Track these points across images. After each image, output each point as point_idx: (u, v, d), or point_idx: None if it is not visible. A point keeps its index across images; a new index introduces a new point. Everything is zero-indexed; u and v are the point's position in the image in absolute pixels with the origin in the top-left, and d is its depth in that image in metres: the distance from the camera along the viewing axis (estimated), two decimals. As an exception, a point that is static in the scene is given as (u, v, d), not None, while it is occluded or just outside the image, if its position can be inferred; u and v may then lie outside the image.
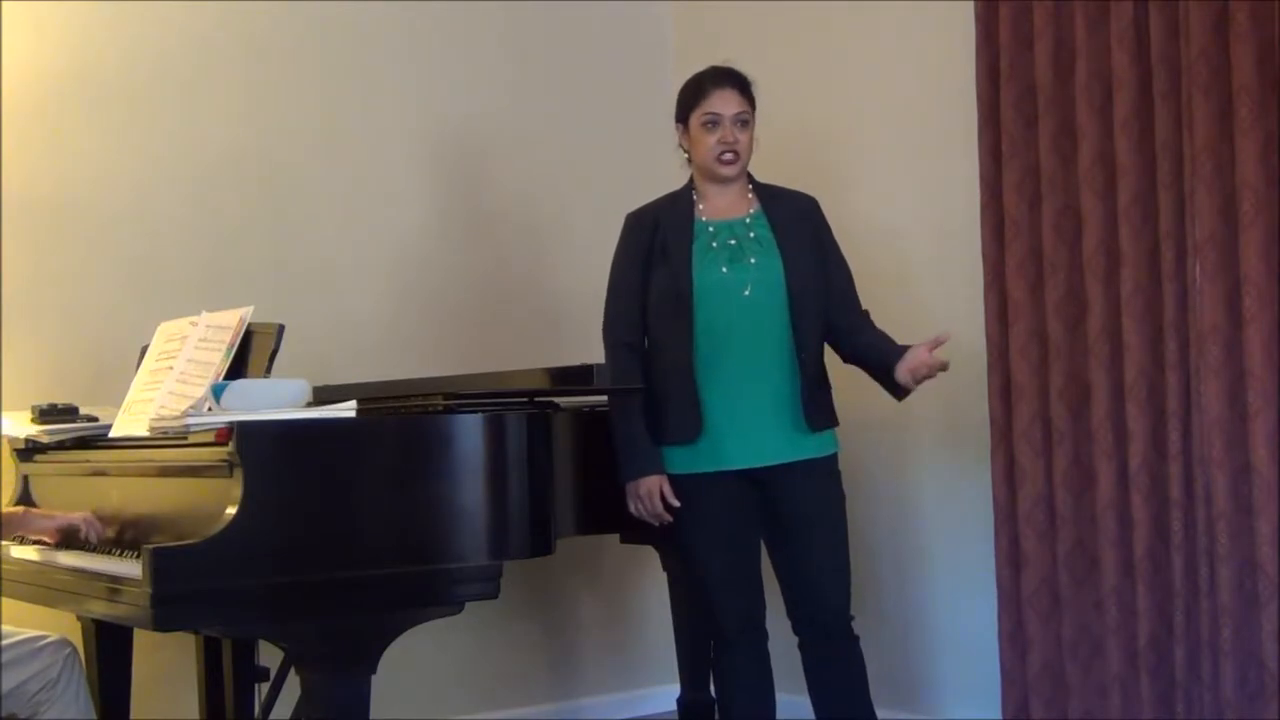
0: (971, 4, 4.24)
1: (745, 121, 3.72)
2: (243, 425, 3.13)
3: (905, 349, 3.64)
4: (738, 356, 3.65)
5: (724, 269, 3.67)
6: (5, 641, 3.45)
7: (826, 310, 3.74)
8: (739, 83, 3.74)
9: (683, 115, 3.77)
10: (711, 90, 3.72)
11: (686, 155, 3.79)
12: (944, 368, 3.60)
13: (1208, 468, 3.71)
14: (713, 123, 3.71)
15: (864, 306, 3.83)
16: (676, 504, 3.64)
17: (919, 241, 4.60)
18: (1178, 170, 3.79)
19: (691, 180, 3.81)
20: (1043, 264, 4.08)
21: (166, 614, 3.02)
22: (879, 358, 3.69)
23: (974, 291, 4.27)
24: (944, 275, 4.51)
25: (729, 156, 3.70)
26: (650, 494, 3.64)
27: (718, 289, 3.65)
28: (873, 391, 3.76)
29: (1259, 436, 3.60)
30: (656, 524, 3.69)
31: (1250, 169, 3.61)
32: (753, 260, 3.68)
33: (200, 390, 3.39)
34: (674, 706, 4.53)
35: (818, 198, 3.85)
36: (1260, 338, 3.61)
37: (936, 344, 3.62)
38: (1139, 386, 3.86)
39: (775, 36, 5.00)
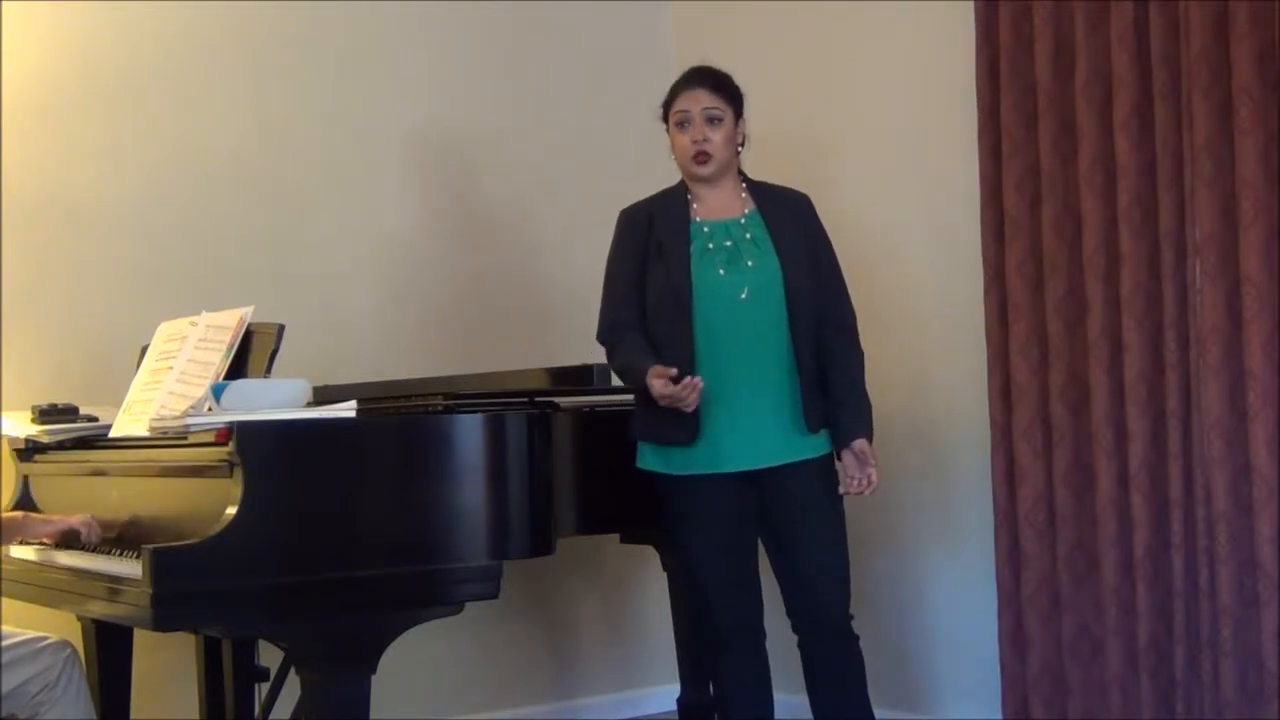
0: (971, 4, 4.24)
1: (716, 118, 3.68)
2: (243, 425, 3.13)
3: (850, 437, 3.62)
4: (736, 359, 3.63)
5: (721, 271, 3.65)
6: (5, 642, 3.45)
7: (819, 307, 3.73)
8: (710, 80, 3.72)
9: (664, 117, 3.77)
10: (682, 89, 3.72)
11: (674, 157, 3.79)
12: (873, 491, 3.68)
13: (1208, 468, 3.70)
14: (684, 121, 3.70)
15: (856, 307, 3.80)
16: (673, 371, 3.50)
17: (919, 241, 4.60)
18: (1178, 170, 3.79)
19: (684, 180, 3.80)
20: (1043, 264, 4.08)
21: (166, 614, 3.03)
22: (833, 416, 3.67)
23: (974, 291, 4.27)
24: (944, 275, 4.51)
25: (701, 156, 3.68)
26: (654, 389, 3.51)
27: (715, 292, 3.64)
28: (872, 392, 3.77)
29: (1259, 436, 3.60)
30: (688, 409, 3.53)
31: (1250, 169, 3.61)
32: (750, 263, 3.66)
33: (200, 390, 3.39)
34: (674, 706, 4.53)
35: (818, 197, 3.84)
36: (1260, 338, 3.61)
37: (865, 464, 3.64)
38: (1139, 386, 3.86)
39: (775, 36, 5.00)
